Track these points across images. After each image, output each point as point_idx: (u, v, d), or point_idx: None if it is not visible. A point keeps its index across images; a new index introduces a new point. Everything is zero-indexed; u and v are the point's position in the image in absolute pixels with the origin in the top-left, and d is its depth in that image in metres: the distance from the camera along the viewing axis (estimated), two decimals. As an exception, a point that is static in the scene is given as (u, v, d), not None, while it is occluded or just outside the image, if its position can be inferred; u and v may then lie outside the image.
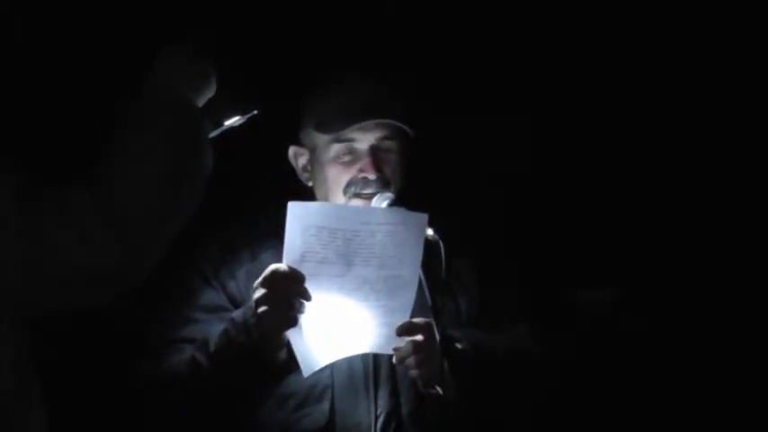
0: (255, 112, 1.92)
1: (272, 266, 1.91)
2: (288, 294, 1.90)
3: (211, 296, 2.08)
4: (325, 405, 2.00)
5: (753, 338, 3.02)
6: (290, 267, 1.89)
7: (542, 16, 2.98)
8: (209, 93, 1.78)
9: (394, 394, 2.03)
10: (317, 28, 2.77)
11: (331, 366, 2.00)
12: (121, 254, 1.55)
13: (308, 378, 1.98)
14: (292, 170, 2.22)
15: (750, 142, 3.08)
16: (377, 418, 2.01)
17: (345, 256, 1.92)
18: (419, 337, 1.96)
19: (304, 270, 1.90)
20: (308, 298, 1.91)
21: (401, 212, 1.98)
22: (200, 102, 1.76)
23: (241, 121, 1.90)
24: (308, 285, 1.91)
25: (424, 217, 1.96)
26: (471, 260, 2.19)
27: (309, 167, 2.18)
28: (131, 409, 2.13)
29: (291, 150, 2.21)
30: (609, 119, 3.06)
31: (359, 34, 2.79)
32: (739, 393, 3.00)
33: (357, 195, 2.06)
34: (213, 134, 1.82)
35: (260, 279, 1.92)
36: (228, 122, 1.89)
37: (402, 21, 2.87)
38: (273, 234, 2.01)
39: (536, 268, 2.84)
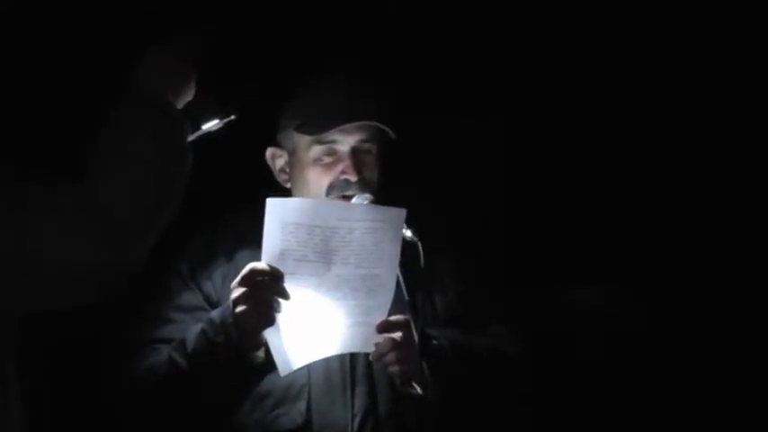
0: (233, 117, 1.95)
1: (251, 265, 1.93)
2: (266, 293, 1.92)
3: (188, 296, 2.10)
4: (302, 404, 2.02)
5: (748, 339, 3.04)
6: (268, 265, 1.92)
7: (535, 17, 2.99)
8: (189, 95, 1.81)
9: (371, 393, 2.06)
10: (296, 30, 2.78)
11: (308, 365, 2.02)
12: (107, 253, 1.58)
13: (284, 377, 2.00)
14: (270, 172, 2.24)
15: (741, 136, 3.09)
16: (353, 417, 2.04)
17: (324, 255, 1.94)
18: (398, 335, 1.99)
19: (283, 268, 1.92)
20: (286, 297, 1.93)
21: (379, 209, 2.01)
22: (180, 104, 1.79)
23: (219, 126, 1.94)
24: (287, 284, 1.93)
25: (402, 212, 1.98)
26: (450, 261, 2.22)
27: (288, 169, 2.20)
28: (109, 409, 2.14)
29: (269, 152, 2.23)
30: (595, 117, 3.08)
31: (340, 35, 2.81)
32: (735, 394, 3.02)
33: (339, 198, 2.08)
34: (192, 137, 1.86)
35: (238, 278, 1.93)
36: (207, 126, 1.92)
37: (389, 22, 2.89)
38: (250, 236, 2.02)
39: (516, 269, 2.86)
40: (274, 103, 2.22)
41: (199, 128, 1.90)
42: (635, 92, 3.09)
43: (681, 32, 3.06)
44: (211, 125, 1.93)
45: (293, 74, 2.38)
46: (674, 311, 3.09)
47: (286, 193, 2.19)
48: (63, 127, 2.46)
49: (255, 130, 2.16)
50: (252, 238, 2.01)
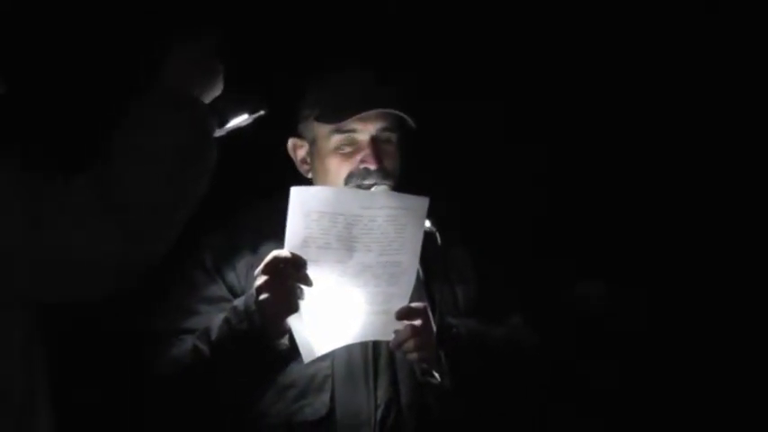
0: (263, 112, 1.97)
1: (274, 252, 1.96)
2: (289, 280, 1.95)
3: (212, 288, 2.13)
4: (326, 395, 2.05)
5: (750, 338, 3.08)
6: (291, 253, 1.95)
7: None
8: (217, 91, 1.84)
9: (393, 384, 2.09)
10: (317, 24, 2.83)
11: (331, 356, 2.05)
12: (123, 247, 1.61)
13: (308, 368, 2.04)
14: (283, 164, 2.27)
15: (742, 137, 3.14)
16: (377, 407, 2.07)
17: (347, 242, 1.97)
18: (417, 322, 2.03)
19: (305, 256, 1.96)
20: (309, 284, 1.96)
21: (402, 196, 2.03)
22: (207, 99, 1.82)
23: (248, 122, 1.96)
24: (309, 271, 1.97)
25: (425, 200, 2.01)
26: (469, 251, 2.26)
27: (309, 159, 2.23)
28: (135, 400, 2.18)
29: (290, 142, 2.26)
30: (609, 116, 3.12)
31: (359, 29, 2.86)
32: (736, 393, 3.06)
33: (358, 187, 2.10)
34: (219, 133, 1.88)
35: (261, 266, 1.97)
36: (236, 122, 1.94)
37: (402, 18, 2.93)
38: (271, 227, 2.06)
39: (533, 261, 2.89)
40: (296, 94, 2.26)
41: (226, 122, 1.93)
42: (639, 93, 3.14)
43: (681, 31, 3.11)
44: (240, 121, 1.95)
45: (314, 66, 2.41)
46: (673, 312, 3.14)
47: (308, 183, 2.22)
48: (85, 120, 2.49)
49: (278, 121, 2.17)
50: (273, 230, 2.04)
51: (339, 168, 2.14)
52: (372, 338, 2.08)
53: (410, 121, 2.16)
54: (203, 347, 2.01)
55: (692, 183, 3.16)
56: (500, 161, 3.06)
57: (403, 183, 2.16)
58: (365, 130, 2.14)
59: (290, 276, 1.95)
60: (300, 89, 2.25)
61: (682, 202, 3.16)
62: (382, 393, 2.08)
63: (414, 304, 2.05)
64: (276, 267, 1.95)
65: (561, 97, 3.10)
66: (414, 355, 2.03)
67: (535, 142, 3.08)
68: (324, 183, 2.17)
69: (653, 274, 3.14)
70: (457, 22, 3.03)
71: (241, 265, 2.14)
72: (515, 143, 3.07)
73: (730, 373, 3.08)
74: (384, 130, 2.15)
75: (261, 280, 1.96)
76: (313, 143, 2.21)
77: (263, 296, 1.95)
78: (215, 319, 2.04)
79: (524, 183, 3.09)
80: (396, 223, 1.99)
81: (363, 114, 2.12)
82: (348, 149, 2.15)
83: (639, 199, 3.17)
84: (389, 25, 2.94)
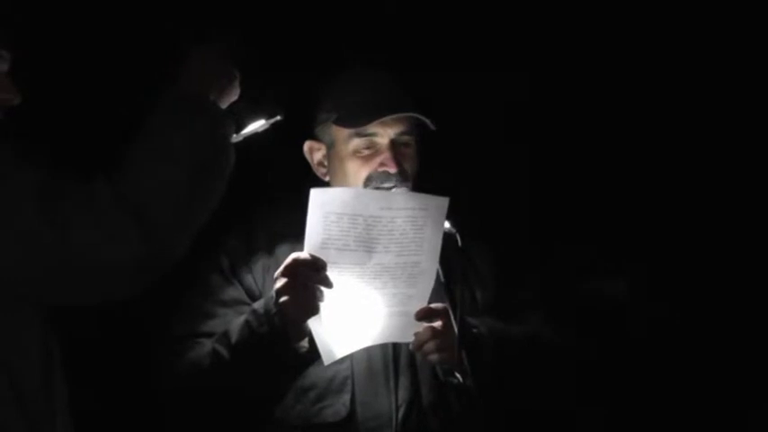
0: (279, 117, 1.97)
1: (294, 255, 1.98)
2: (309, 283, 1.96)
3: (229, 290, 2.14)
4: (346, 396, 2.07)
5: (757, 338, 3.09)
6: (311, 255, 1.96)
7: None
8: (234, 96, 1.85)
9: (414, 384, 2.10)
10: (318, 23, 2.84)
11: (350, 357, 2.07)
12: (141, 250, 1.61)
13: (327, 370, 2.05)
14: (308, 165, 2.28)
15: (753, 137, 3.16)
16: (398, 408, 2.08)
17: (366, 243, 1.98)
18: (437, 323, 2.04)
19: (325, 258, 1.97)
20: (329, 286, 1.97)
21: (422, 197, 2.04)
22: (225, 104, 1.83)
23: (265, 127, 1.96)
24: (329, 273, 1.97)
25: (445, 200, 2.02)
26: (488, 251, 2.28)
27: (326, 162, 2.24)
28: (154, 403, 2.19)
29: (307, 145, 2.27)
30: (622, 111, 3.14)
31: (359, 29, 2.87)
32: (743, 392, 3.07)
33: (378, 189, 2.11)
34: (237, 138, 1.88)
35: (281, 268, 1.98)
36: (253, 127, 1.94)
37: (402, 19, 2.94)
38: (289, 228, 2.08)
39: (551, 258, 2.90)
40: (311, 97, 2.27)
41: (243, 127, 1.92)
42: (646, 88, 3.16)
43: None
44: (258, 126, 1.95)
45: (327, 68, 2.41)
46: (675, 315, 3.15)
47: (324, 186, 2.21)
48: (103, 123, 2.50)
49: (295, 123, 2.17)
50: (287, 232, 2.07)
51: (358, 171, 2.16)
52: (392, 340, 2.09)
53: (430, 124, 2.17)
54: (223, 351, 2.02)
55: (703, 175, 3.17)
56: (509, 159, 3.08)
57: (418, 183, 2.17)
58: (384, 133, 2.16)
59: (309, 278, 1.96)
60: (314, 92, 2.26)
61: (694, 195, 3.17)
62: (403, 393, 2.09)
63: (433, 305, 2.06)
64: (296, 270, 1.96)
65: (565, 94, 3.11)
66: (435, 357, 2.04)
67: (542, 138, 3.10)
68: (342, 185, 2.18)
69: (665, 270, 3.15)
70: (456, 22, 3.05)
71: (258, 266, 2.16)
72: (523, 141, 3.09)
73: (732, 374, 3.09)
74: (403, 133, 2.17)
75: (281, 282, 1.97)
76: (331, 146, 2.22)
77: (284, 299, 1.96)
78: (234, 322, 2.05)
79: (536, 180, 3.11)
80: (415, 223, 2.00)
81: (384, 118, 2.13)
82: (367, 152, 2.16)
83: (651, 193, 3.17)
84: (389, 25, 2.96)
